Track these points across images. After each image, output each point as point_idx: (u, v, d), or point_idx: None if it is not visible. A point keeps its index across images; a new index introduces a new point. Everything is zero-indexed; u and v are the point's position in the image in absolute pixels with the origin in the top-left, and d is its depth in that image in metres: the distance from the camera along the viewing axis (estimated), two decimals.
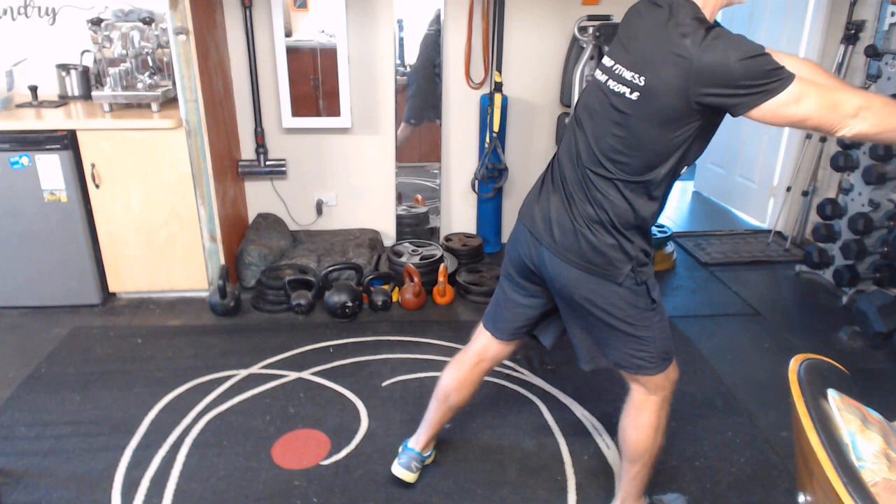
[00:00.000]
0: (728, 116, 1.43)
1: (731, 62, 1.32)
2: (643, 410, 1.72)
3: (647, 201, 1.51)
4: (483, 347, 1.89)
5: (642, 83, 1.39)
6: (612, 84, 1.46)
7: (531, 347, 2.80)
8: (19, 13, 3.22)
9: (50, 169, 2.88)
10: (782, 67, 1.34)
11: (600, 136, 1.49)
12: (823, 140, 3.84)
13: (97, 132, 2.88)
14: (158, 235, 3.08)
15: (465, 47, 3.53)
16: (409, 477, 2.03)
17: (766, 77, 1.32)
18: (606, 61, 1.51)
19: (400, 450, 2.09)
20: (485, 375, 1.93)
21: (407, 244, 3.57)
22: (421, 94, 3.59)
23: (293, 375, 2.63)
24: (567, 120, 1.62)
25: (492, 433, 2.32)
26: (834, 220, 3.34)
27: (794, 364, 1.29)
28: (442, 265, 3.28)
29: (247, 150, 3.62)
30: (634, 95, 1.41)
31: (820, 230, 3.37)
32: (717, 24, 1.39)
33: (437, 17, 3.43)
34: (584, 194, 1.52)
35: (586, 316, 1.64)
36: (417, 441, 2.05)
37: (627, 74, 1.42)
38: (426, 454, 2.07)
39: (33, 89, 3.15)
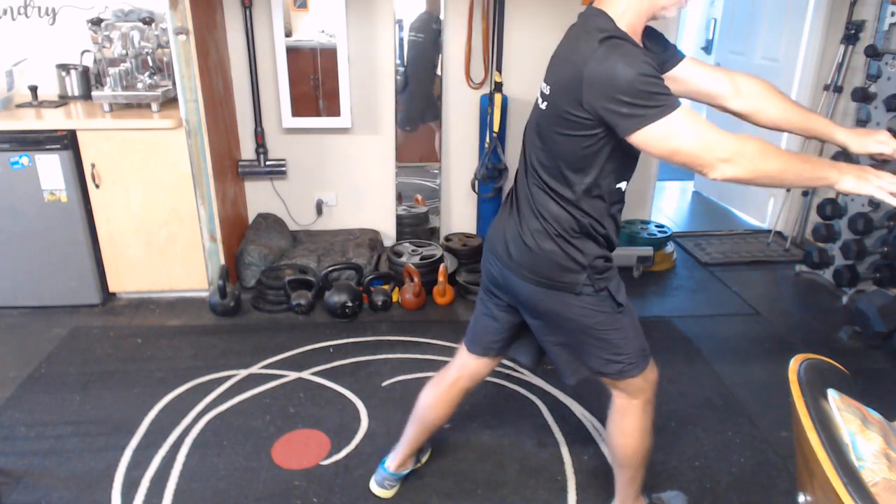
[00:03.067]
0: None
1: (617, 74, 1.28)
2: (627, 415, 1.73)
3: (584, 211, 1.48)
4: (462, 364, 1.87)
5: (549, 91, 1.42)
6: (538, 99, 1.50)
7: None
8: (19, 13, 3.22)
9: (50, 169, 2.88)
10: (669, 94, 1.30)
11: (532, 149, 1.53)
12: (823, 141, 3.83)
13: (97, 132, 2.88)
14: (158, 235, 3.08)
15: (465, 47, 3.53)
16: (383, 494, 2.01)
17: (648, 99, 1.28)
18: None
19: (378, 466, 2.06)
20: (463, 395, 1.89)
21: (407, 244, 3.57)
22: (419, 96, 3.59)
23: (293, 375, 2.63)
24: None
25: (492, 433, 2.32)
26: (834, 220, 3.34)
27: (794, 364, 1.29)
28: (442, 265, 3.28)
29: (247, 150, 3.62)
30: (545, 105, 1.44)
31: (820, 230, 3.37)
32: (623, 37, 1.34)
33: (437, 17, 3.43)
34: (529, 208, 1.54)
35: (557, 329, 1.63)
36: (393, 461, 2.01)
37: (545, 88, 1.45)
38: (402, 473, 2.04)
39: (33, 89, 3.15)
